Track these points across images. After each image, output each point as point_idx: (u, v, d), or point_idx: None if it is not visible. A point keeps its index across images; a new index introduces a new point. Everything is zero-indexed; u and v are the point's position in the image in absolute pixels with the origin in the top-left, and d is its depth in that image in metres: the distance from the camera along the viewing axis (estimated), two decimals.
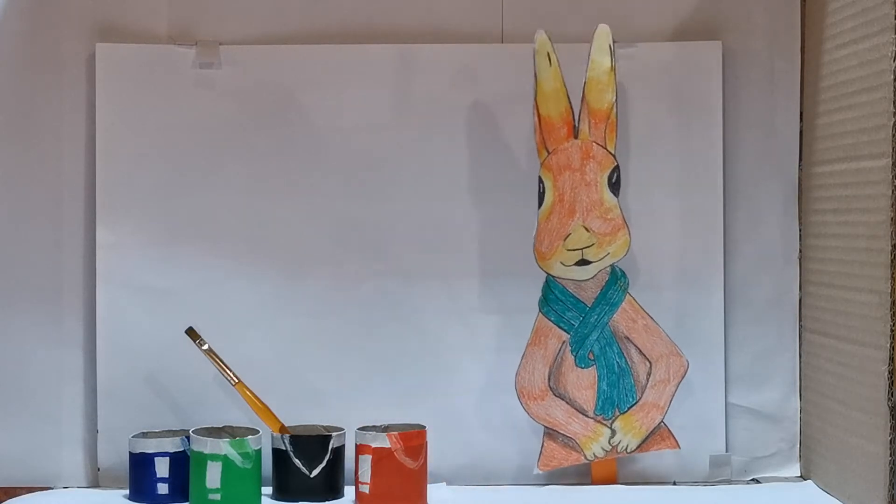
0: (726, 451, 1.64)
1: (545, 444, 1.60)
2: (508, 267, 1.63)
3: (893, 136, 1.37)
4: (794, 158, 1.65)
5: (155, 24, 1.63)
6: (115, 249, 1.61)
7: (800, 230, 1.65)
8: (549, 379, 1.59)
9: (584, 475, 1.62)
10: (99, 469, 1.62)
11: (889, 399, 1.39)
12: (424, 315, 1.63)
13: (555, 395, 1.59)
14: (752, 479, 1.65)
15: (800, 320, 1.65)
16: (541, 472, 1.60)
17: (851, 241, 1.48)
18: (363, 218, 1.63)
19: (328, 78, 1.63)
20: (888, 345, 1.38)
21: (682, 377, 1.59)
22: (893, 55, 1.36)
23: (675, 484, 1.63)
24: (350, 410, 1.59)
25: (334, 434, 1.54)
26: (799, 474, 1.66)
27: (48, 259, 1.62)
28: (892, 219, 1.37)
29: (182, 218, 1.62)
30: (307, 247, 1.63)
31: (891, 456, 1.39)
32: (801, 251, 1.65)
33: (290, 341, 1.63)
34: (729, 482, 1.63)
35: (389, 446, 1.49)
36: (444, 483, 1.59)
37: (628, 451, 1.59)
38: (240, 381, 1.56)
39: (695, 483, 1.63)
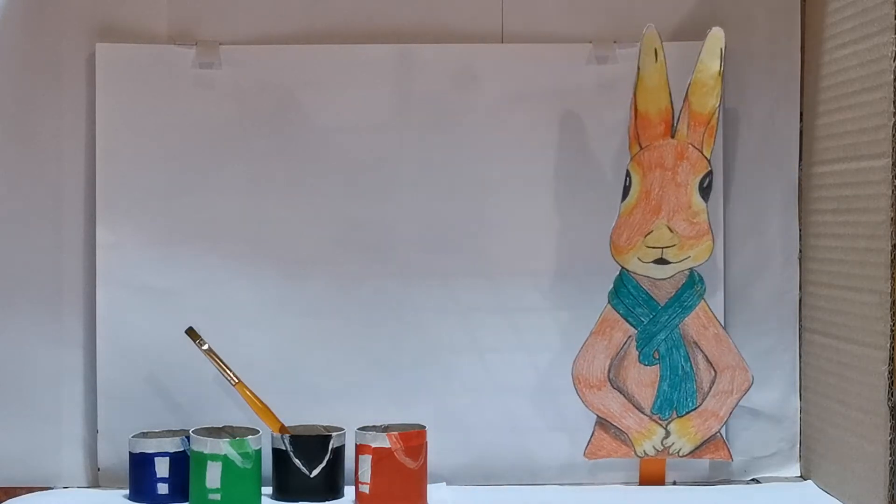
0: None
1: (595, 434, 1.59)
2: (509, 267, 1.63)
3: (893, 136, 1.37)
4: (794, 158, 1.65)
5: (155, 24, 1.63)
6: (115, 249, 1.61)
7: (800, 230, 1.65)
8: (608, 370, 1.59)
9: (632, 471, 1.62)
10: (99, 469, 1.62)
11: (889, 399, 1.39)
12: (424, 315, 1.63)
13: (613, 386, 1.58)
14: (752, 479, 1.64)
15: (800, 320, 1.65)
16: (588, 460, 1.60)
17: (851, 241, 1.48)
18: (363, 218, 1.63)
19: (328, 78, 1.63)
20: (888, 345, 1.38)
21: (746, 392, 1.59)
22: (893, 55, 1.36)
23: (675, 484, 1.63)
24: (350, 410, 1.59)
25: (334, 434, 1.54)
26: (799, 474, 1.65)
27: (48, 259, 1.62)
28: (892, 219, 1.37)
29: (182, 218, 1.62)
30: (307, 247, 1.63)
31: (891, 456, 1.39)
32: (801, 251, 1.65)
33: (290, 341, 1.63)
34: (729, 482, 1.63)
35: (389, 446, 1.49)
36: (444, 483, 1.59)
37: (680, 454, 1.59)
38: (240, 381, 1.56)
39: (695, 483, 1.63)
